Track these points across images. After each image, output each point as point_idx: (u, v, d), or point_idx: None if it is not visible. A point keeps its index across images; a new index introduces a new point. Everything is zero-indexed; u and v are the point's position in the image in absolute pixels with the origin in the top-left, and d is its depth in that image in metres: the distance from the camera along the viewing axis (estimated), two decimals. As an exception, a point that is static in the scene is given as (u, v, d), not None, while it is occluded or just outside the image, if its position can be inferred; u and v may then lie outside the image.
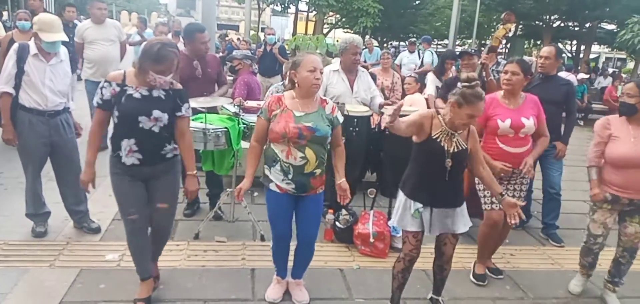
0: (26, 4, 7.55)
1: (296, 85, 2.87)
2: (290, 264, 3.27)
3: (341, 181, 3.00)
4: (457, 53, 6.50)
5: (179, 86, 2.91)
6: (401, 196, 2.92)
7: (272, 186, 2.93)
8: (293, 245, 3.16)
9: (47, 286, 3.19)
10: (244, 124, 4.05)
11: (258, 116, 2.97)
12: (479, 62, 4.59)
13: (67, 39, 3.69)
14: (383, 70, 7.07)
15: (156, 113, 2.74)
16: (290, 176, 2.86)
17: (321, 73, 2.86)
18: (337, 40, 21.76)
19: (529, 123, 3.47)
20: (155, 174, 2.88)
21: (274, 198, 2.95)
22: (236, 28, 35.81)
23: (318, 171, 2.90)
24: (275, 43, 9.15)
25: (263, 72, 8.67)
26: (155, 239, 3.13)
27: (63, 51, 3.71)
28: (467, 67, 4.80)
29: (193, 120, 3.59)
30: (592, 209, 3.45)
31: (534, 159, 3.56)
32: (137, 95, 2.73)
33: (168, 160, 2.90)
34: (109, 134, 2.87)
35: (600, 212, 3.39)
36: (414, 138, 2.83)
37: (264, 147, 2.99)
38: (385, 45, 27.74)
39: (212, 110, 4.18)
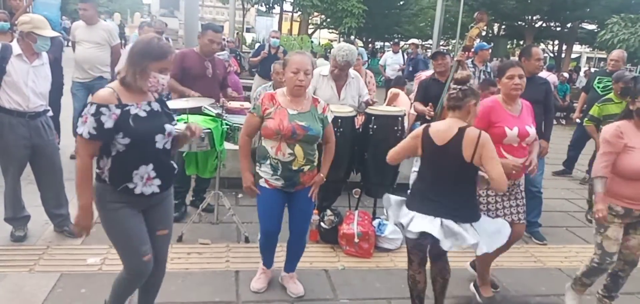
0: (5, 4, 7.35)
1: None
2: (279, 258, 3.28)
3: (321, 174, 3.11)
4: (430, 55, 6.53)
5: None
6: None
7: (262, 182, 3.02)
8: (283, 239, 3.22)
9: (27, 291, 3.13)
10: (227, 124, 4.03)
11: (250, 112, 3.06)
12: (456, 59, 4.61)
13: (56, 34, 3.77)
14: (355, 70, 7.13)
15: (168, 127, 2.39)
16: (278, 172, 2.95)
17: (306, 75, 2.89)
18: (321, 41, 21.75)
19: (533, 131, 3.20)
20: (157, 199, 2.45)
21: (263, 194, 3.03)
22: (221, 29, 35.57)
23: (306, 168, 2.99)
24: (278, 46, 9.17)
25: (263, 74, 8.60)
26: (150, 284, 2.62)
27: (44, 54, 3.68)
28: (440, 67, 4.82)
29: (177, 121, 3.55)
30: (603, 226, 3.07)
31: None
32: (142, 113, 2.31)
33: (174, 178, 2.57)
34: (106, 166, 2.33)
35: (614, 228, 3.04)
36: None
37: (256, 145, 3.09)
38: (369, 46, 27.84)
39: (196, 110, 4.14)
